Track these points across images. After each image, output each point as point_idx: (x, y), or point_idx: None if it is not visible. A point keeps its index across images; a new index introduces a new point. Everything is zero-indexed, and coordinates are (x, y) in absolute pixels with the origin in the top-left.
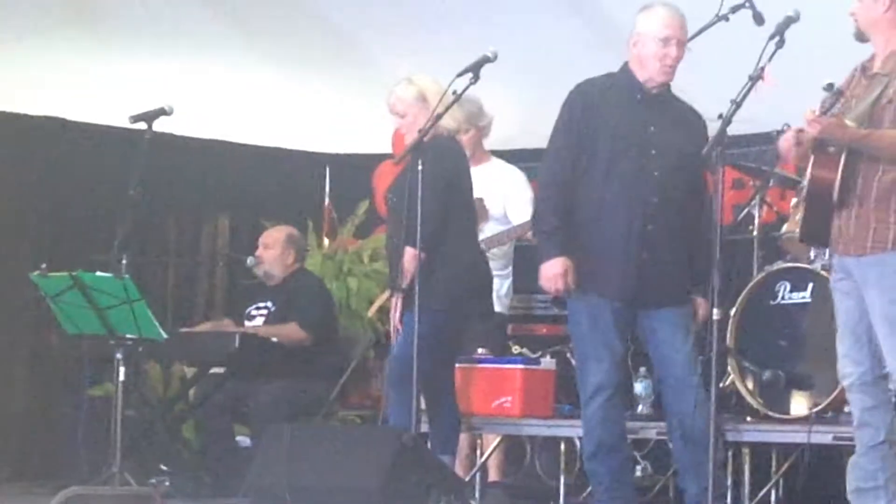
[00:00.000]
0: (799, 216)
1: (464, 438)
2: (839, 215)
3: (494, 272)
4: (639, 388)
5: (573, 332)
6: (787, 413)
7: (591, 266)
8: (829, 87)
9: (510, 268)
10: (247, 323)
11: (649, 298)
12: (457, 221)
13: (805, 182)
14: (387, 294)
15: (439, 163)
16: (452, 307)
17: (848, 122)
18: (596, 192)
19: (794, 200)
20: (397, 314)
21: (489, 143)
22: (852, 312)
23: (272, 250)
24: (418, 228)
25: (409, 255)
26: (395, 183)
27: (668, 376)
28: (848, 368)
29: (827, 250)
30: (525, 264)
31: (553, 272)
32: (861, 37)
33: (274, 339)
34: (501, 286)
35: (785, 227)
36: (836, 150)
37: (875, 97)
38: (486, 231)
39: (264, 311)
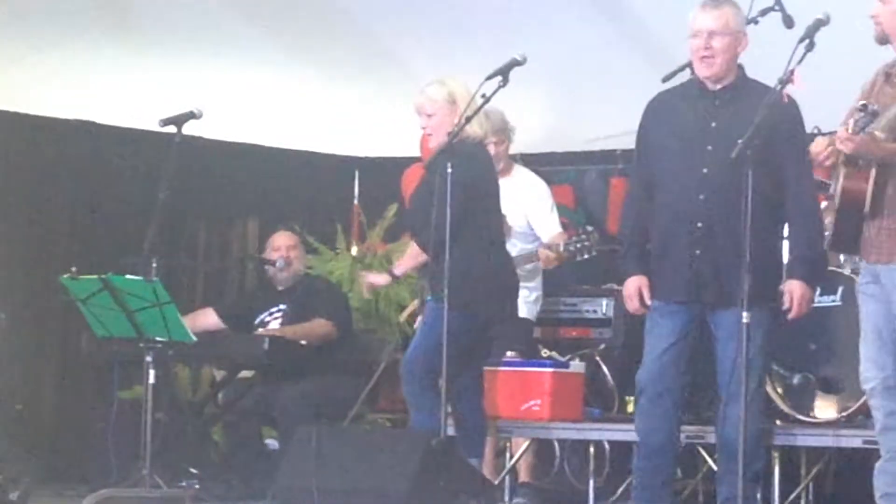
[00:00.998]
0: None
1: (490, 442)
2: (869, 225)
3: (523, 283)
4: None
5: None
6: (817, 417)
7: (655, 271)
8: (864, 107)
9: (539, 277)
10: (261, 330)
11: (707, 298)
12: (480, 226)
13: (835, 192)
14: (417, 300)
15: (462, 168)
16: (469, 310)
17: (878, 134)
18: (659, 197)
19: (824, 204)
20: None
21: (515, 147)
22: (878, 317)
23: (297, 249)
24: (447, 231)
25: (413, 250)
26: (417, 188)
27: (717, 382)
28: (871, 372)
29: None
30: (553, 268)
31: (626, 292)
32: (882, 40)
33: (303, 342)
34: (531, 294)
35: None
36: (866, 163)
37: None
38: (508, 245)
39: (279, 315)
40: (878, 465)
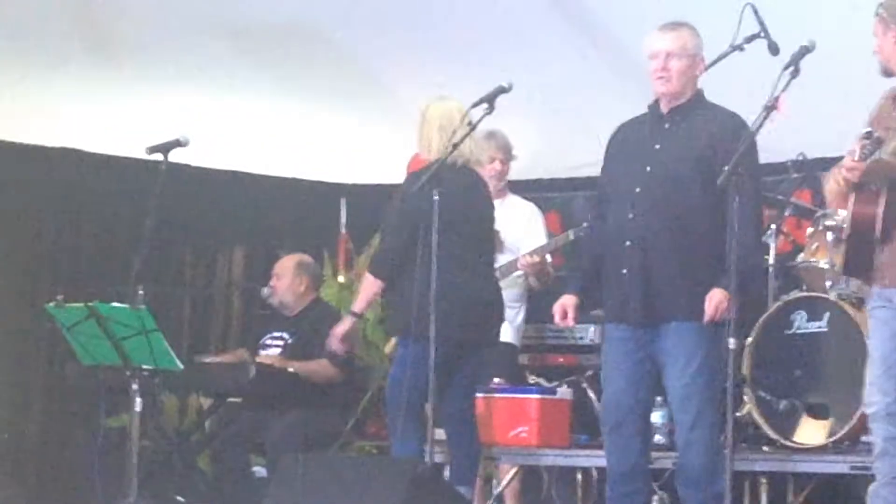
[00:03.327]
0: (815, 247)
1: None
2: (882, 249)
3: (508, 303)
4: (655, 417)
5: None
6: (804, 443)
7: (604, 293)
8: (868, 134)
9: (524, 299)
10: (261, 353)
11: (635, 318)
12: (461, 252)
13: (835, 218)
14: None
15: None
16: (443, 337)
17: (885, 158)
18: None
19: (809, 230)
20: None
21: None
22: (888, 341)
23: (283, 280)
24: (434, 259)
25: (367, 282)
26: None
27: (671, 408)
28: (875, 397)
29: (844, 280)
30: (540, 294)
31: (553, 309)
32: (888, 72)
33: (290, 370)
34: (515, 317)
35: (801, 257)
36: (877, 187)
37: None
38: (501, 260)
39: (280, 342)
40: (871, 487)
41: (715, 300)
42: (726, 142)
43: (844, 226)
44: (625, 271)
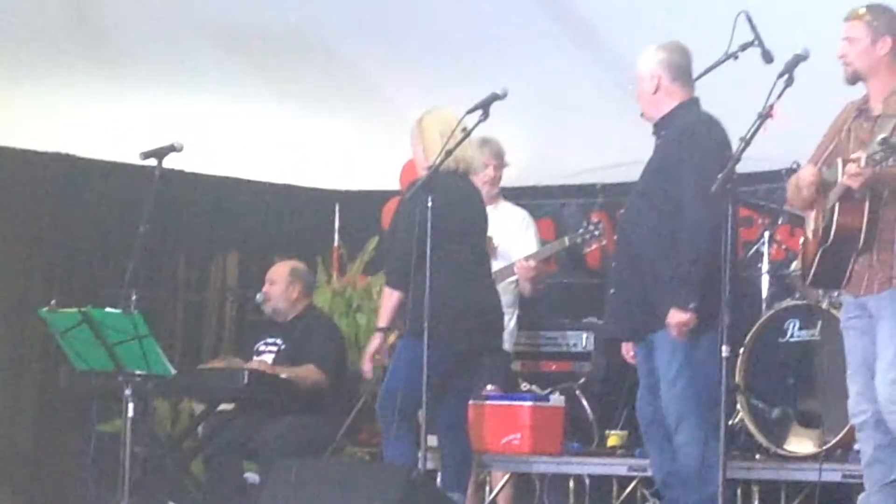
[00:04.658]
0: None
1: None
2: (859, 259)
3: (504, 308)
4: None
5: None
6: (796, 451)
7: None
8: (884, 141)
9: (516, 305)
10: (255, 358)
11: (622, 334)
12: (455, 260)
13: (813, 226)
14: (395, 334)
15: (439, 202)
16: (436, 343)
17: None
18: None
19: (803, 238)
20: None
21: None
22: (868, 350)
23: (277, 286)
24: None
25: (385, 294)
26: (389, 226)
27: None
28: (862, 406)
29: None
30: (533, 301)
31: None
32: (853, 79)
33: (283, 376)
34: (508, 323)
35: (794, 265)
36: (860, 197)
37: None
38: (494, 266)
39: (273, 348)
40: (861, 497)
41: (670, 321)
42: (683, 148)
43: (819, 235)
44: (612, 291)
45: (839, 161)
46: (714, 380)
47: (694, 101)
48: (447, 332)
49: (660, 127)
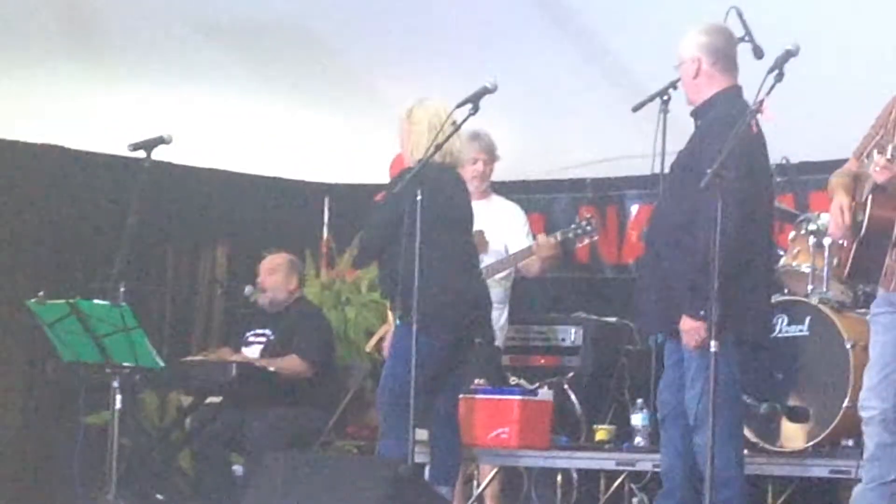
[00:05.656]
0: (797, 251)
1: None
2: (892, 253)
3: (495, 303)
4: (636, 419)
5: None
6: (784, 446)
7: None
8: None
9: (507, 301)
10: (244, 349)
11: (645, 329)
12: (450, 251)
13: (818, 223)
14: (385, 326)
15: (428, 195)
16: (432, 334)
17: None
18: None
19: (791, 234)
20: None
21: None
22: (889, 346)
23: (276, 275)
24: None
25: None
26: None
27: None
28: (872, 402)
29: (826, 285)
30: (522, 296)
31: None
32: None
33: (271, 369)
34: (499, 318)
35: (783, 261)
36: (893, 191)
37: None
38: (486, 261)
39: (262, 339)
40: (857, 488)
41: (684, 329)
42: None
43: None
44: (640, 285)
45: (875, 152)
46: (734, 381)
47: (737, 90)
48: (442, 322)
49: (698, 114)
